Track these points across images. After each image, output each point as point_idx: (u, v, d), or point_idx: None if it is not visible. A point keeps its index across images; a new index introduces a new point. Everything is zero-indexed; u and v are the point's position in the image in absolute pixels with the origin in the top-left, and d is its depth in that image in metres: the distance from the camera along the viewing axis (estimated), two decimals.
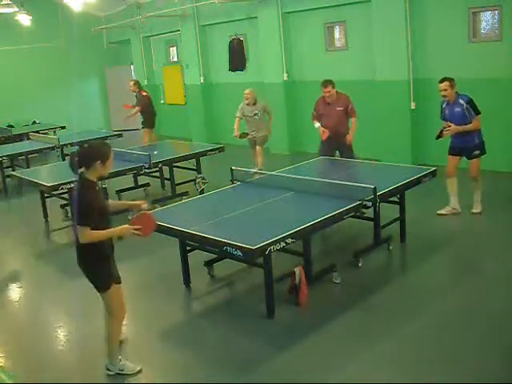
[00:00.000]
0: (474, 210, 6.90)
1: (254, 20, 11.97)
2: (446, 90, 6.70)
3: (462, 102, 6.67)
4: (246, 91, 9.10)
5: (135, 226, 3.83)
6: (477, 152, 6.77)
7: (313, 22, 11.06)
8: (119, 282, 4.03)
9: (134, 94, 11.39)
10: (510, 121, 8.55)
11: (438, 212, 6.96)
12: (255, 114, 9.07)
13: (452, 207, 6.95)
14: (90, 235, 3.71)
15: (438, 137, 6.89)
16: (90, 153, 3.85)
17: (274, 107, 11.51)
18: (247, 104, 9.03)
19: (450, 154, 6.94)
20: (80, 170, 3.83)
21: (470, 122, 6.63)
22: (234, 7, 12.17)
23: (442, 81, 6.75)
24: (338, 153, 7.76)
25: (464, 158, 6.90)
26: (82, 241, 3.73)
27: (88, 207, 3.72)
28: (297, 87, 11.66)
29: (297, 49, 11.49)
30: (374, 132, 10.01)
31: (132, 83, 11.48)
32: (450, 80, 6.71)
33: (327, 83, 7.47)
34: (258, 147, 9.32)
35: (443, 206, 6.98)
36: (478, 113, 6.64)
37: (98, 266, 3.85)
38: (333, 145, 7.59)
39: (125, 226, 3.86)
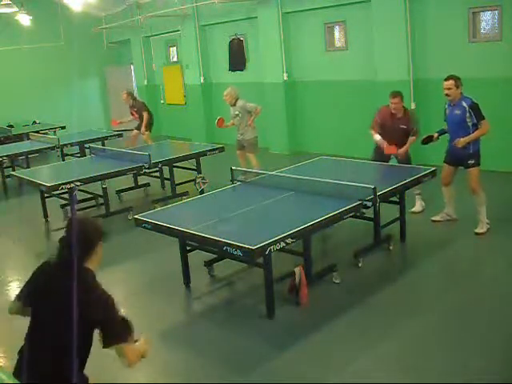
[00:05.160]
0: (478, 230, 6.24)
1: (254, 20, 11.97)
2: (450, 88, 6.10)
3: (464, 104, 6.08)
4: (224, 92, 8.46)
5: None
6: (471, 161, 6.19)
7: (313, 22, 11.05)
8: None
9: (128, 104, 10.99)
10: (510, 120, 8.54)
11: (433, 218, 6.76)
12: (236, 115, 8.62)
13: (446, 213, 6.74)
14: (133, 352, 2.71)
15: (425, 142, 6.47)
16: (88, 231, 2.70)
17: (274, 107, 11.56)
18: (230, 104, 8.66)
19: (444, 161, 6.53)
20: (76, 257, 2.61)
21: (473, 127, 6.07)
22: (234, 7, 12.17)
23: (447, 79, 6.17)
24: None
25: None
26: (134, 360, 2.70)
27: (114, 306, 2.65)
28: (297, 87, 11.66)
29: (297, 49, 11.48)
30: None
31: (125, 95, 10.96)
32: (456, 79, 6.12)
33: (396, 94, 6.75)
34: (248, 155, 8.70)
35: (444, 206, 6.95)
36: (482, 118, 6.07)
37: None
38: (387, 157, 6.97)
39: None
